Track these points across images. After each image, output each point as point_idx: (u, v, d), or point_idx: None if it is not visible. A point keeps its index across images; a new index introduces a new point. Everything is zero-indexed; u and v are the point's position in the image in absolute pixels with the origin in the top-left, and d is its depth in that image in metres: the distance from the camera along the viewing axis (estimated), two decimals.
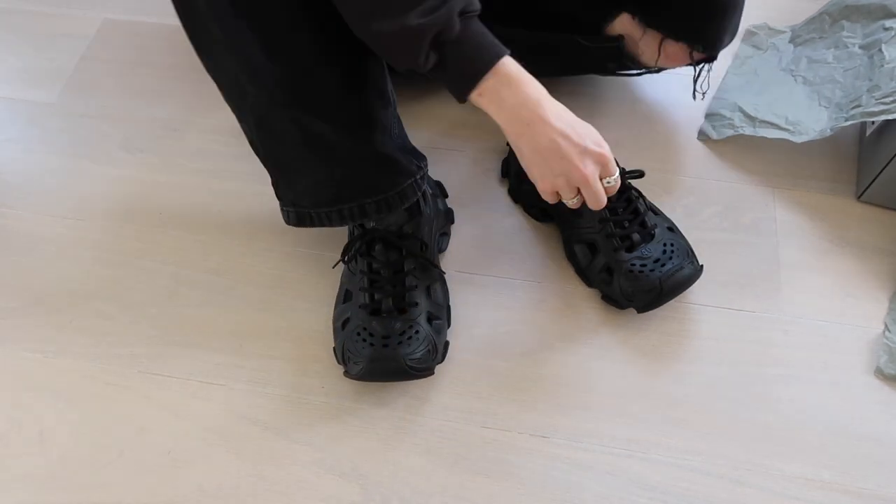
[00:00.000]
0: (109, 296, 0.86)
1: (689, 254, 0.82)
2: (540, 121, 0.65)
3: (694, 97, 0.95)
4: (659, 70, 0.93)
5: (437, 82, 0.65)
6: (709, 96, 1.01)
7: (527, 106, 0.64)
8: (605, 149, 0.68)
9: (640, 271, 0.78)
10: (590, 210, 0.80)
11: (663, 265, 0.78)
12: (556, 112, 0.66)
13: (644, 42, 0.89)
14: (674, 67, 0.91)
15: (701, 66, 0.91)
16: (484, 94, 0.64)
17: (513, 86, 0.64)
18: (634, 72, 0.95)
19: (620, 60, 0.92)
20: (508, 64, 0.63)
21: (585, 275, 0.85)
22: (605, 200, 0.70)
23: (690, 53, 0.88)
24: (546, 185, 0.70)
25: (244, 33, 0.62)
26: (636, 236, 0.80)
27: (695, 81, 0.93)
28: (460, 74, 0.63)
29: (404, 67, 0.63)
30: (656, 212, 0.86)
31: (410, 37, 0.59)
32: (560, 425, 0.77)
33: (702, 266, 0.80)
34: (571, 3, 0.89)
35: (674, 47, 0.88)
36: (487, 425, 0.77)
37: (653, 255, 0.79)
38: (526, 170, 0.71)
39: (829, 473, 0.74)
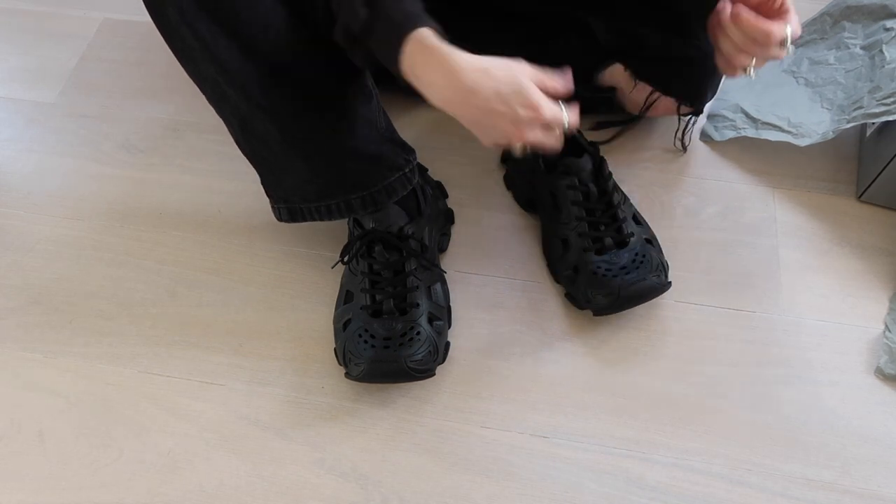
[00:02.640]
0: (109, 296, 0.86)
1: (660, 268, 0.80)
2: (459, 91, 0.59)
3: (675, 144, 0.96)
4: (640, 118, 0.95)
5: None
6: None
7: (441, 76, 0.59)
8: (539, 108, 0.60)
9: (604, 275, 0.78)
10: (568, 206, 0.81)
11: (627, 273, 0.78)
12: (471, 75, 0.59)
13: (634, 94, 0.91)
14: (656, 117, 0.95)
15: (688, 118, 0.93)
16: (408, 75, 0.60)
17: (424, 60, 0.59)
18: (617, 119, 0.97)
19: (610, 110, 0.94)
20: (417, 38, 0.58)
21: (554, 269, 0.85)
22: (553, 144, 0.63)
23: (678, 107, 0.90)
24: (489, 143, 0.64)
25: (218, 39, 0.62)
26: (609, 240, 0.80)
27: (682, 133, 0.95)
28: (385, 60, 0.61)
29: (345, 33, 0.62)
30: (639, 221, 0.85)
31: (342, 41, 0.61)
32: (560, 425, 0.77)
33: (669, 282, 0.80)
34: (568, 47, 0.90)
35: (663, 101, 0.90)
36: (487, 425, 0.77)
37: (620, 262, 0.79)
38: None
39: (829, 473, 0.74)
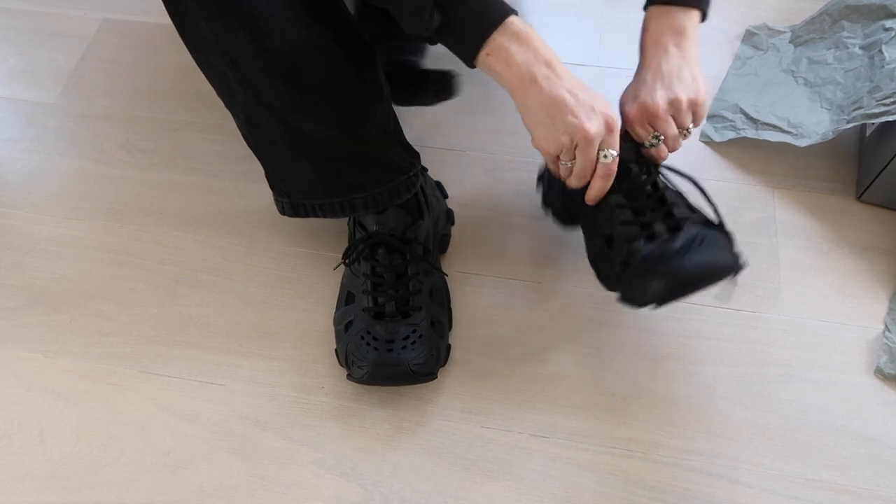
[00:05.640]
0: (109, 296, 0.86)
1: (728, 245, 0.68)
2: (551, 75, 0.62)
3: None
4: None
5: (447, 48, 0.64)
6: (710, 97, 1.01)
7: (537, 61, 0.62)
8: (614, 114, 0.64)
9: (657, 260, 0.65)
10: (608, 197, 0.71)
11: (687, 252, 0.64)
12: (566, 70, 0.63)
13: None
14: None
15: None
16: (492, 53, 0.62)
17: (522, 41, 0.61)
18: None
19: None
20: (516, 21, 0.61)
21: (602, 276, 0.73)
22: (588, 173, 0.66)
23: None
24: (549, 144, 0.65)
25: (233, 33, 0.62)
26: (659, 226, 0.67)
27: None
28: (466, 33, 0.62)
29: (414, 31, 0.62)
30: (693, 209, 0.72)
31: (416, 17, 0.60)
32: (560, 425, 0.77)
33: (742, 262, 0.67)
34: None
35: None
36: (487, 425, 0.77)
37: (675, 245, 0.65)
38: (530, 129, 0.65)
39: (829, 473, 0.74)
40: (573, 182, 0.69)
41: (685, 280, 0.65)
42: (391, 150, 0.74)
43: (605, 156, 0.65)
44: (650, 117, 0.69)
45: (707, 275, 0.65)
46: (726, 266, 0.65)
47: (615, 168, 0.67)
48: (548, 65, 0.62)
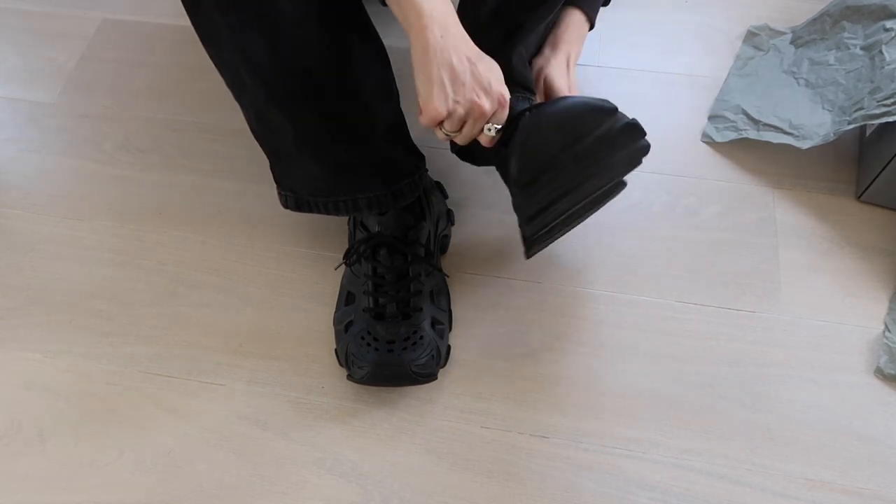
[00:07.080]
0: (109, 296, 0.86)
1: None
2: (452, 38, 0.60)
3: None
4: None
5: None
6: (711, 97, 1.01)
7: (441, 24, 0.59)
8: (506, 92, 0.63)
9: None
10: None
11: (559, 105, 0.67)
12: (467, 37, 0.62)
13: None
14: None
15: None
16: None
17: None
18: None
19: None
20: None
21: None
22: (469, 140, 0.66)
23: None
24: (441, 106, 0.60)
25: (247, 28, 0.61)
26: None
27: None
28: None
29: None
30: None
31: None
32: (560, 425, 0.77)
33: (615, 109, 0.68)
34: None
35: None
36: (487, 425, 0.77)
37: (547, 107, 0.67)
38: (421, 88, 0.61)
39: (829, 473, 0.74)
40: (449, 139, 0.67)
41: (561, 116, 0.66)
42: (398, 151, 0.74)
43: (489, 129, 0.65)
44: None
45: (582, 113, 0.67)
46: (599, 104, 0.67)
47: (496, 139, 0.66)
48: (451, 27, 0.60)
